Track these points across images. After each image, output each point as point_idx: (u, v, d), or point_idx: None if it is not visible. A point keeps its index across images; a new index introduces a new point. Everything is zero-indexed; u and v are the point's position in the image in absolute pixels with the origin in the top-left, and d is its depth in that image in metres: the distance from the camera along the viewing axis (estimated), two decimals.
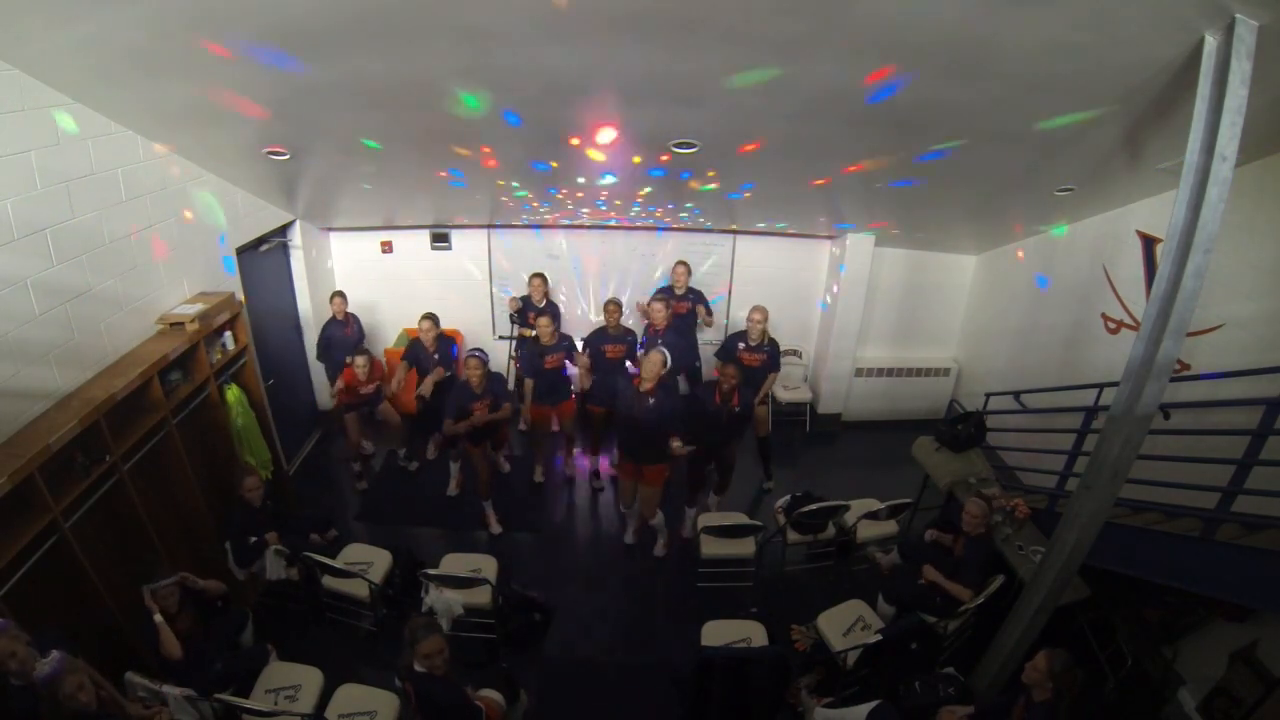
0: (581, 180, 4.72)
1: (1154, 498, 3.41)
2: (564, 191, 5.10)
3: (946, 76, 2.76)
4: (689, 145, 3.74)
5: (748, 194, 5.10)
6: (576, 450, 5.87)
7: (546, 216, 6.01)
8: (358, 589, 3.96)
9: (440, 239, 6.32)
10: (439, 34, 2.55)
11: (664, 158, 4.01)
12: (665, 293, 5.90)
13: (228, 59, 2.72)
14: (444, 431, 4.65)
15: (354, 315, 5.65)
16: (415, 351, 5.34)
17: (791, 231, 6.32)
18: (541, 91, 3.10)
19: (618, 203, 5.40)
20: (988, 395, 5.33)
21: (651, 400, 4.34)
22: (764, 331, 5.23)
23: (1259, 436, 2.95)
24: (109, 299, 3.46)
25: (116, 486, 3.31)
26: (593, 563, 4.99)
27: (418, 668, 2.78)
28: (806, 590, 4.57)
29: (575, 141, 3.82)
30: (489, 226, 6.28)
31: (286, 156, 4.04)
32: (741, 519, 4.60)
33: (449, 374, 5.25)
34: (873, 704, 3.17)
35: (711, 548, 4.42)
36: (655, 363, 4.33)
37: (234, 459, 4.28)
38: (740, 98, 3.07)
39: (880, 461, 6.18)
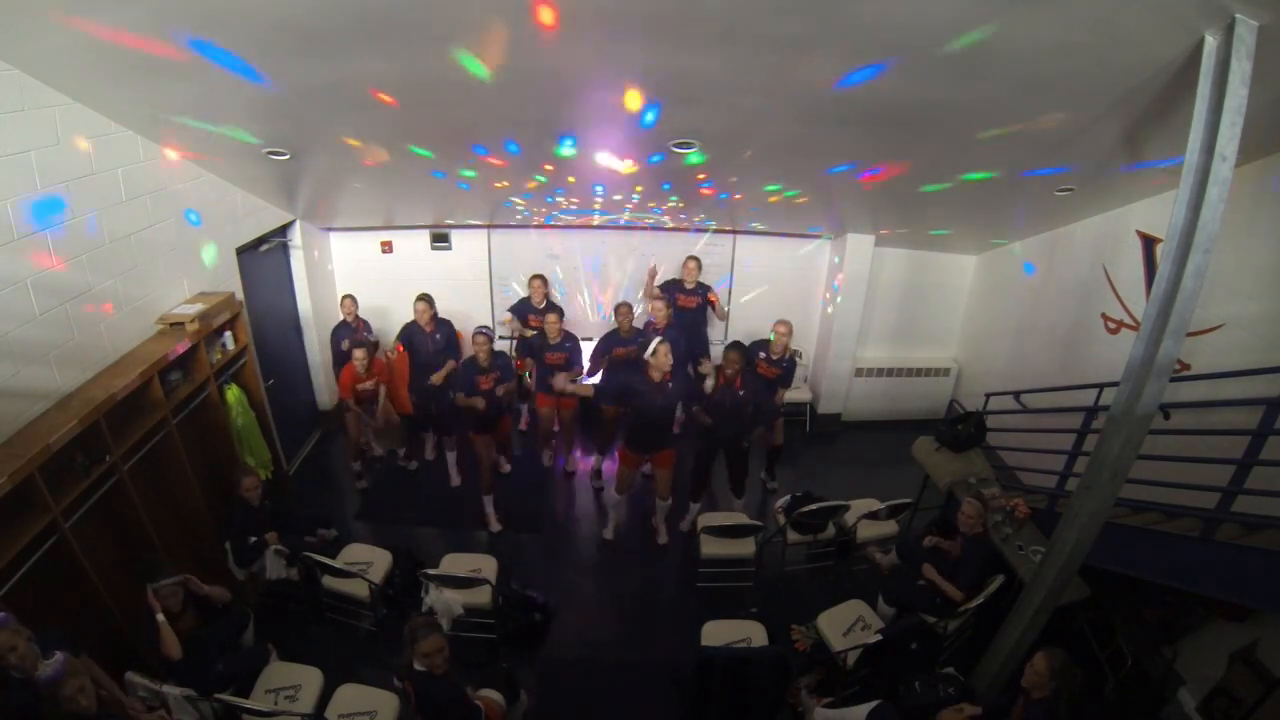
0: (572, 180, 4.74)
1: (1154, 498, 3.41)
2: (566, 195, 5.12)
3: (946, 76, 2.76)
4: (688, 145, 3.74)
5: (739, 196, 5.11)
6: (577, 451, 5.87)
7: (551, 217, 6.02)
8: (358, 589, 3.96)
9: (440, 239, 6.32)
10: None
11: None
12: (674, 286, 5.90)
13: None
14: (458, 403, 4.74)
15: (365, 320, 5.62)
16: (411, 332, 5.38)
17: (792, 231, 6.32)
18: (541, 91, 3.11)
19: (617, 197, 5.39)
20: (988, 395, 5.33)
21: (669, 384, 4.48)
22: (787, 345, 5.23)
23: (1259, 436, 2.95)
24: (109, 299, 3.46)
25: (116, 486, 3.31)
26: (593, 563, 4.99)
27: (418, 667, 2.79)
28: (806, 590, 4.57)
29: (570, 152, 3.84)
30: (489, 226, 6.28)
31: (286, 156, 4.04)
32: (741, 519, 4.60)
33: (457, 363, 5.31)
34: (873, 704, 3.17)
35: (711, 548, 4.42)
36: (664, 354, 4.40)
37: (234, 459, 4.28)
38: (741, 97, 3.07)
39: (880, 461, 6.18)
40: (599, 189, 4.87)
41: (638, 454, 4.75)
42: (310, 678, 3.35)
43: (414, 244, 6.33)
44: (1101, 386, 4.15)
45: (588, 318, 6.65)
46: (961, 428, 4.81)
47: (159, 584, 3.15)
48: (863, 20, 2.36)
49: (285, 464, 5.19)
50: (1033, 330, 5.67)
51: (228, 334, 4.27)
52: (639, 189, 5.00)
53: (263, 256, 5.26)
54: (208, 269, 4.33)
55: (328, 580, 4.01)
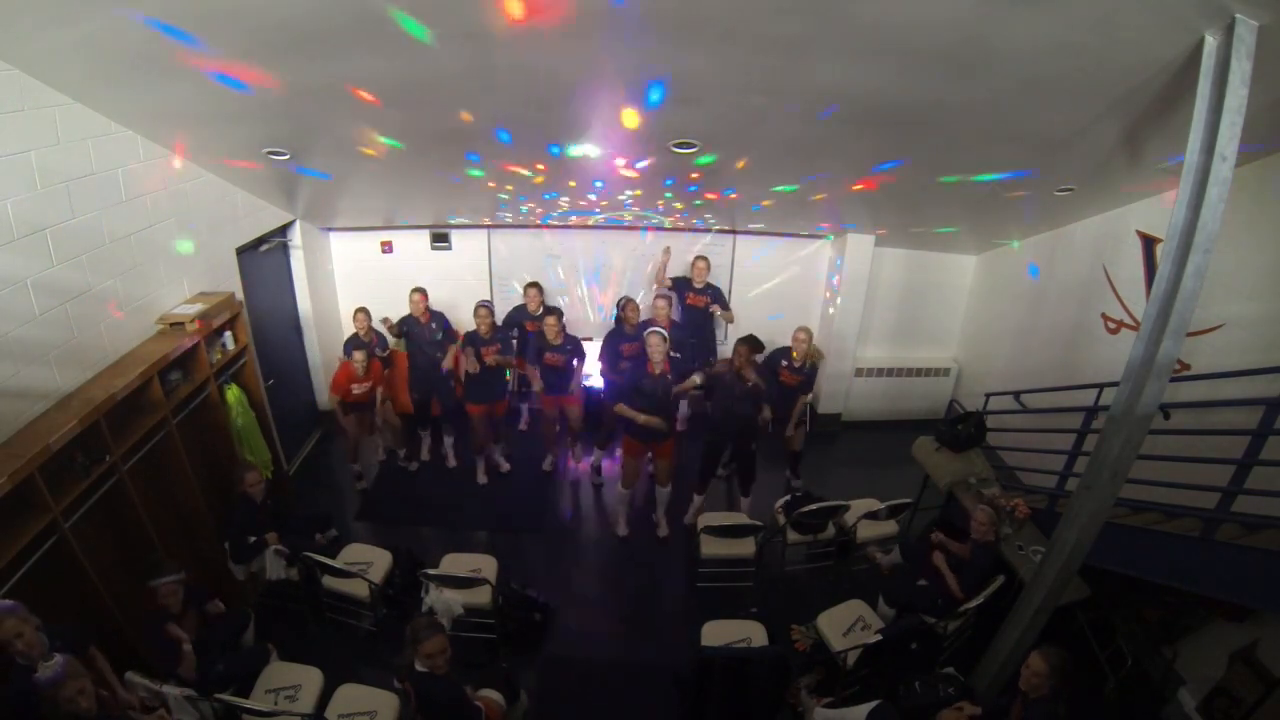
0: (573, 184, 4.75)
1: (1154, 498, 3.41)
2: (565, 192, 5.12)
3: (946, 76, 2.76)
4: (688, 145, 3.74)
5: (735, 196, 5.11)
6: (577, 452, 5.89)
7: (548, 217, 6.01)
8: (358, 589, 3.96)
9: (440, 239, 6.32)
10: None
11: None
12: (683, 284, 5.90)
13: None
14: (460, 363, 5.05)
15: (379, 334, 5.53)
16: (408, 324, 5.46)
17: (792, 231, 6.32)
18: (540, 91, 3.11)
19: (619, 198, 5.40)
20: (988, 395, 5.33)
21: (669, 376, 4.56)
22: (807, 352, 5.24)
23: (1259, 436, 2.95)
24: (109, 299, 3.46)
25: (116, 486, 3.31)
26: (593, 562, 5.00)
27: (419, 667, 2.78)
28: (806, 590, 4.57)
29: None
30: (489, 226, 6.28)
31: (286, 156, 4.04)
32: (742, 519, 4.60)
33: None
34: (873, 704, 3.17)
35: (711, 548, 4.42)
36: (655, 343, 4.52)
37: (234, 459, 4.28)
38: (740, 97, 3.07)
39: (880, 461, 6.18)
40: (598, 184, 4.85)
41: (641, 444, 4.79)
42: (310, 678, 3.35)
43: (414, 244, 6.32)
44: (1101, 386, 4.15)
45: (588, 318, 6.65)
46: (961, 428, 4.81)
47: (159, 580, 3.16)
48: (863, 20, 2.36)
49: (285, 464, 5.19)
50: (1033, 330, 5.67)
51: (228, 334, 4.27)
52: (637, 193, 5.01)
53: (263, 256, 5.26)
54: (208, 269, 4.32)
55: (328, 580, 4.01)
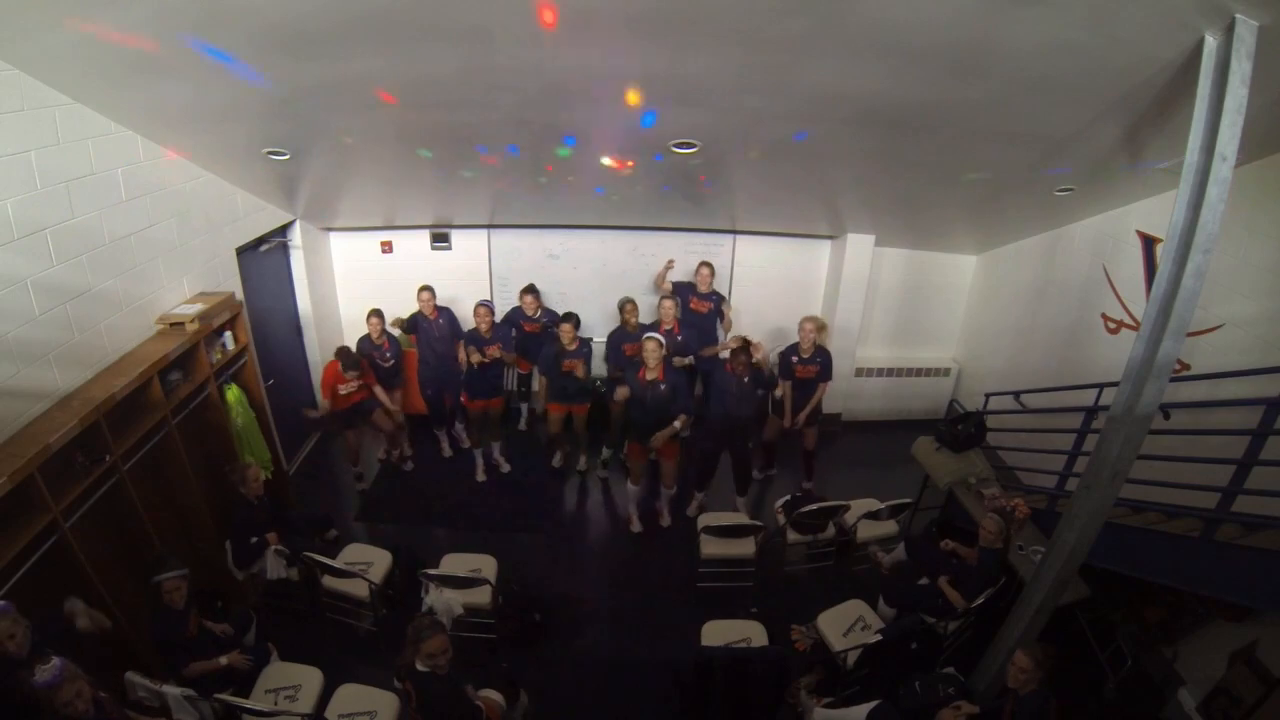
0: (572, 179, 4.74)
1: (1154, 498, 3.41)
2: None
3: (945, 76, 2.76)
4: (689, 145, 3.74)
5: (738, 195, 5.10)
6: (582, 456, 5.90)
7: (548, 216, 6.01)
8: (358, 589, 3.96)
9: (440, 239, 6.31)
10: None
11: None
12: (686, 289, 5.90)
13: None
14: (468, 356, 5.16)
15: (392, 337, 5.52)
16: (417, 321, 5.51)
17: (793, 231, 6.32)
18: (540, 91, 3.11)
19: (615, 198, 5.40)
20: (988, 395, 5.33)
21: (663, 387, 4.58)
22: (815, 342, 5.21)
23: (1259, 436, 2.95)
24: (109, 299, 3.46)
25: (116, 486, 3.31)
26: (593, 562, 4.99)
27: (420, 667, 2.78)
28: (806, 590, 4.57)
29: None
30: (489, 226, 6.27)
31: (286, 157, 4.04)
32: (742, 519, 4.60)
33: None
34: (873, 704, 3.17)
35: (711, 548, 4.42)
36: (650, 349, 4.54)
37: (234, 459, 4.28)
38: (740, 98, 3.07)
39: (880, 461, 6.17)
40: (599, 190, 4.88)
41: (641, 444, 4.82)
42: (310, 678, 3.35)
43: (414, 244, 6.31)
44: (1101, 386, 4.15)
45: (589, 318, 6.63)
46: (961, 428, 4.81)
47: (164, 576, 3.15)
48: (863, 20, 2.36)
49: (285, 464, 5.19)
50: (1033, 330, 5.67)
51: (228, 334, 4.27)
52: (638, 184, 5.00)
53: (263, 256, 5.26)
54: (208, 269, 4.32)
55: (328, 580, 4.01)
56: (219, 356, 4.20)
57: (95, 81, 2.98)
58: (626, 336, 5.51)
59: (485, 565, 4.10)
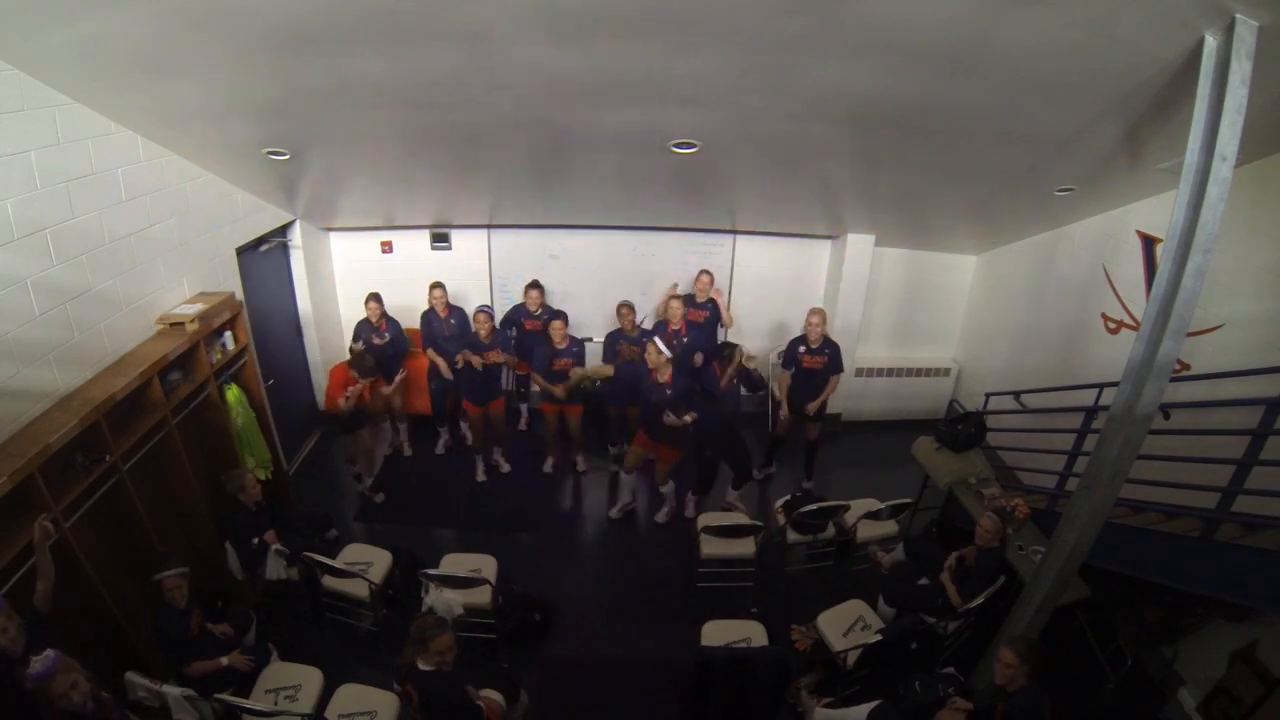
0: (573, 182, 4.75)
1: (1154, 498, 3.41)
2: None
3: (945, 76, 2.77)
4: (689, 145, 3.74)
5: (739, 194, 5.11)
6: (578, 457, 5.90)
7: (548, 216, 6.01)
8: (358, 589, 3.96)
9: (440, 239, 6.31)
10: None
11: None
12: (686, 300, 5.89)
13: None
14: (466, 358, 5.14)
15: (392, 319, 5.55)
16: (429, 320, 5.57)
17: (793, 231, 6.31)
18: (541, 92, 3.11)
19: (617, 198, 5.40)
20: (987, 395, 5.33)
21: (669, 390, 4.59)
22: (823, 334, 5.23)
23: (1259, 436, 2.94)
24: (109, 299, 3.46)
25: (116, 486, 3.31)
26: (593, 562, 4.99)
27: (425, 666, 2.77)
28: (806, 590, 4.57)
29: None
30: (489, 226, 6.27)
31: (286, 157, 4.04)
32: (742, 519, 4.60)
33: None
34: (873, 704, 3.17)
35: (711, 548, 4.42)
36: (651, 354, 4.58)
37: (234, 459, 4.28)
38: (740, 97, 3.07)
39: (880, 461, 6.17)
40: (599, 188, 4.87)
41: (650, 441, 4.85)
42: (310, 678, 3.35)
43: (414, 244, 6.31)
44: (1101, 386, 4.14)
45: (589, 318, 6.63)
46: (961, 428, 4.81)
47: (164, 574, 3.15)
48: (862, 20, 2.36)
49: (285, 464, 5.19)
50: (1032, 330, 5.67)
51: (228, 334, 4.27)
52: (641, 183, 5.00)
53: (263, 256, 5.26)
54: (208, 269, 4.32)
55: (328, 580, 4.01)
56: (219, 356, 4.19)
57: (95, 81, 2.98)
58: (623, 338, 5.50)
59: (485, 565, 4.09)
